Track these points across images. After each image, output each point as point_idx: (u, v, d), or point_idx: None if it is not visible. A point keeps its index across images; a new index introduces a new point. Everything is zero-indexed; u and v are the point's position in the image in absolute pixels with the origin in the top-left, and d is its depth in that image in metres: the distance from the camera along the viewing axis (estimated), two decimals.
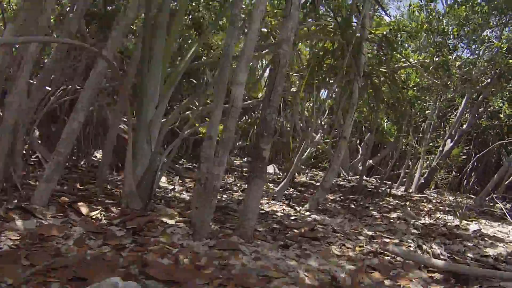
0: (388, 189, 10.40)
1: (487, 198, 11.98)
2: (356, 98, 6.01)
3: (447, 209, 9.18)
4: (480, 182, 18.05)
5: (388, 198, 9.49)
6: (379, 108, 8.77)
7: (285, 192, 8.10)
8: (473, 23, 9.64)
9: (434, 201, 10.67)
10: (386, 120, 11.01)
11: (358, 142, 16.78)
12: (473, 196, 16.11)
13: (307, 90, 8.31)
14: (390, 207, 7.96)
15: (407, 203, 9.05)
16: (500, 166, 18.35)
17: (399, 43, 8.85)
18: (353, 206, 7.41)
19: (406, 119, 10.29)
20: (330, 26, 6.27)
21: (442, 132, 15.75)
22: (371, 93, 7.89)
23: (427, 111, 10.85)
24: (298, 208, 6.66)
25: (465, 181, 17.25)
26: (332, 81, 7.73)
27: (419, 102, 10.15)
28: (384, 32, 8.00)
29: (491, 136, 17.85)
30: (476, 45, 10.17)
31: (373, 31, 7.26)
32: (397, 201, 9.16)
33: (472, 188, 17.54)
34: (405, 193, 11.72)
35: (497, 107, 15.77)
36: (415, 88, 9.94)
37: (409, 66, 9.14)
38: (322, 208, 6.97)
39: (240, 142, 14.31)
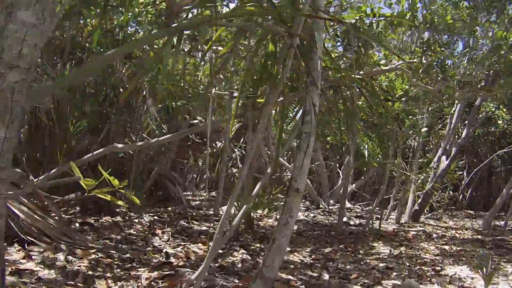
0: (377, 226, 8.09)
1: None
2: (313, 121, 3.73)
3: (456, 250, 6.98)
4: (477, 196, 17.19)
5: (377, 243, 7.22)
6: (354, 128, 6.56)
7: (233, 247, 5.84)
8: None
9: (434, 235, 8.45)
10: (367, 142, 8.81)
11: (338, 165, 14.74)
12: (471, 212, 14.30)
13: None
14: (381, 265, 5.68)
15: (403, 249, 6.79)
16: (495, 175, 17.09)
17: (377, 35, 6.59)
18: (326, 275, 5.08)
19: (393, 139, 8.07)
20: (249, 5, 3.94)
21: (431, 147, 13.92)
22: (342, 110, 5.64)
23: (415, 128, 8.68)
24: None
25: (461, 195, 15.39)
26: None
27: (409, 117, 7.85)
28: (353, 20, 5.81)
29: (482, 144, 16.29)
30: (475, 39, 8.04)
31: (334, 17, 5.01)
32: (389, 247, 6.90)
33: (470, 203, 15.95)
34: (397, 226, 9.50)
35: (490, 112, 13.94)
36: (402, 99, 7.60)
37: (392, 70, 6.85)
38: None
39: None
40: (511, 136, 15.51)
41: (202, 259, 4.87)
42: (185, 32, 7.97)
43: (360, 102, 7.10)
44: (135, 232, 6.25)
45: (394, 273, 5.23)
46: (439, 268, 5.60)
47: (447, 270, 5.55)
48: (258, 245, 6.41)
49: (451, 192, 13.79)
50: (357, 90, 5.54)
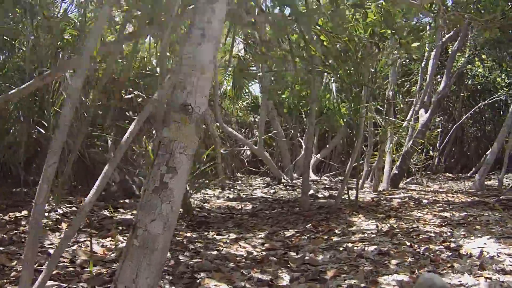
0: (354, 197, 6.18)
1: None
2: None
3: (460, 216, 5.19)
4: (451, 158, 16.21)
5: (356, 217, 5.34)
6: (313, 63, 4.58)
7: None
8: None
9: (425, 201, 6.66)
10: (331, 92, 6.91)
11: (299, 134, 12.96)
12: (450, 175, 12.79)
13: None
14: (369, 249, 3.78)
15: (392, 222, 4.93)
16: (475, 135, 15.77)
17: None
18: (286, 276, 3.13)
19: (367, 79, 6.07)
20: None
21: (404, 103, 12.43)
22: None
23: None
24: None
25: (437, 158, 14.00)
26: None
27: (392, 34, 5.61)
28: None
29: (454, 103, 15.77)
30: None
31: None
32: (374, 221, 5.03)
33: (448, 166, 15.24)
34: (376, 195, 7.68)
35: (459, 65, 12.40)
36: (379, 2, 5.33)
37: None
38: None
39: None
40: (483, 93, 14.11)
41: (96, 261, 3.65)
42: None
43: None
44: None
45: (394, 261, 3.35)
46: (455, 245, 3.75)
47: (466, 245, 3.72)
48: (189, 234, 4.51)
49: (431, 153, 12.11)
50: None
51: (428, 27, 10.04)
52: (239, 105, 13.77)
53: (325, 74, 6.08)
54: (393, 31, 5.28)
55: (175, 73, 2.09)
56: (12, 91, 4.70)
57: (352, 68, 5.58)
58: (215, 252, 4.08)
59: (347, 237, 4.28)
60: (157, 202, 1.78)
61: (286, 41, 5.02)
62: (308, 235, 4.47)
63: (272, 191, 9.15)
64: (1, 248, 4.00)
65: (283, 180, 10.35)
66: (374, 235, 4.30)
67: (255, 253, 3.90)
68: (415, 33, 6.04)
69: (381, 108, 9.13)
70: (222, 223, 5.41)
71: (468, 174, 12.70)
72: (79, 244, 4.22)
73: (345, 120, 8.31)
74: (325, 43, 5.21)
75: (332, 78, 6.93)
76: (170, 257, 3.93)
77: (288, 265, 3.43)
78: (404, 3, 5.66)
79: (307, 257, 3.60)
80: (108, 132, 8.25)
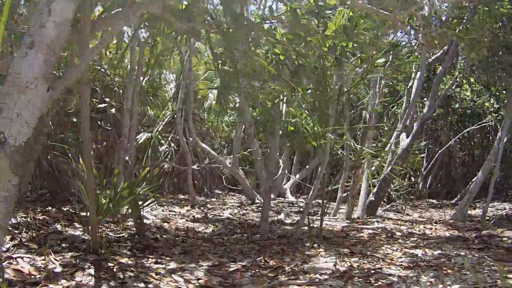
0: (318, 225, 5.62)
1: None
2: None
3: (433, 256, 4.67)
4: (437, 183, 15.81)
5: (316, 250, 4.79)
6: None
7: None
8: None
9: (398, 234, 6.15)
10: (302, 111, 6.37)
11: (278, 153, 12.45)
12: (434, 201, 12.39)
13: None
14: None
15: (354, 260, 4.39)
16: (463, 160, 15.36)
17: None
18: None
19: (332, 95, 5.50)
20: None
21: (387, 126, 11.98)
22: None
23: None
24: None
25: (421, 183, 13.57)
26: None
27: (353, 44, 4.97)
28: None
29: (442, 126, 15.41)
30: None
31: None
32: (334, 257, 4.48)
33: (430, 192, 14.79)
34: (348, 223, 7.15)
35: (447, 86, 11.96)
36: (342, 12, 4.67)
37: None
38: None
39: None
40: (472, 117, 13.72)
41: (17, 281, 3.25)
42: None
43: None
44: None
45: None
46: None
47: None
48: (126, 260, 3.97)
49: (412, 179, 11.63)
50: None
51: (415, 46, 9.63)
52: (224, 119, 13.32)
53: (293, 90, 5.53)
54: (355, 44, 4.77)
55: None
56: None
57: (311, 85, 5.07)
58: (142, 285, 3.53)
59: (296, 277, 3.73)
60: None
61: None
62: (254, 271, 3.92)
63: (243, 212, 8.62)
64: None
65: (256, 201, 9.84)
66: (327, 276, 3.75)
67: None
68: (392, 49, 5.54)
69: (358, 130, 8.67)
70: (169, 249, 4.86)
71: (453, 201, 12.28)
72: (11, 261, 3.71)
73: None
74: (281, 57, 4.71)
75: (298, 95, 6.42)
76: (93, 285, 3.41)
77: None
78: (375, 14, 5.13)
79: None
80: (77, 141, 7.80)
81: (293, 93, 5.45)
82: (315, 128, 5.73)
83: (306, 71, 4.89)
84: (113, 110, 8.80)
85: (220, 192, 12.17)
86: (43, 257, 3.94)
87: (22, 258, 3.79)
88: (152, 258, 4.39)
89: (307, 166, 12.47)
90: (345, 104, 6.17)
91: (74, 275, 3.60)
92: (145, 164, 10.27)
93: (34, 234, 4.66)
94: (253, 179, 11.95)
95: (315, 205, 10.00)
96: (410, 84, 10.15)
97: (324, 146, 5.67)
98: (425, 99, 11.27)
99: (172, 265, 4.16)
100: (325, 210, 6.80)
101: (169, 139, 11.27)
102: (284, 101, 6.91)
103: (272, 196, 10.58)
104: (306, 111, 6.09)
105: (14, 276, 3.32)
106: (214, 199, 10.59)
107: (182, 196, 10.22)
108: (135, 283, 3.60)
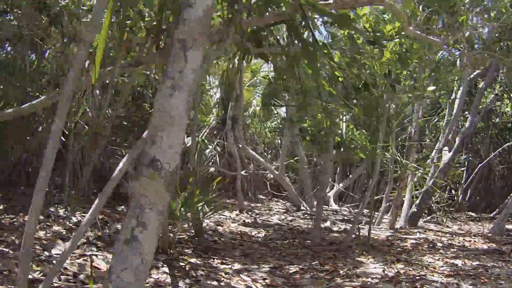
0: (367, 234, 6.14)
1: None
2: (200, 16, 1.83)
3: (471, 266, 5.12)
4: (476, 196, 15.56)
5: (365, 257, 5.29)
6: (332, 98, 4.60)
7: None
8: None
9: (439, 245, 6.58)
10: (351, 125, 6.89)
11: (322, 161, 12.87)
12: (473, 214, 12.58)
13: None
14: None
15: (400, 267, 4.87)
16: (502, 173, 15.48)
17: None
18: None
19: (384, 115, 6.01)
20: None
21: (427, 141, 12.23)
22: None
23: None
24: None
25: (460, 196, 13.73)
26: None
27: (407, 72, 5.54)
28: None
29: (482, 140, 15.41)
30: None
31: None
32: (382, 264, 4.99)
33: (472, 204, 14.77)
34: (391, 233, 7.60)
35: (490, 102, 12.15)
36: (396, 40, 5.24)
37: (376, 1, 4.63)
38: None
39: None
40: None
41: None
42: None
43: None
44: (44, 235, 4.77)
45: None
46: None
47: None
48: (194, 260, 4.52)
49: (453, 191, 11.91)
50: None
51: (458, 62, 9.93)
52: (268, 125, 13.75)
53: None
54: (409, 71, 5.26)
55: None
56: (24, 105, 4.80)
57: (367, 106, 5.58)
58: (215, 283, 4.08)
59: (350, 280, 4.24)
60: (128, 254, 1.79)
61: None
62: (312, 273, 4.44)
63: (290, 218, 9.12)
64: (12, 252, 4.02)
65: (302, 208, 10.31)
66: (378, 281, 4.25)
67: None
68: (442, 69, 5.99)
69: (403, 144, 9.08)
70: (230, 251, 5.40)
71: (491, 215, 12.49)
72: (86, 258, 4.19)
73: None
74: (340, 79, 5.23)
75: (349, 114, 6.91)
76: (170, 282, 3.95)
77: None
78: (425, 41, 5.62)
79: None
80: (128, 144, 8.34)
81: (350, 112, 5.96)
82: (365, 143, 6.24)
83: (361, 93, 5.40)
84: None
85: (263, 197, 12.59)
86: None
87: (96, 255, 4.30)
88: (216, 259, 4.94)
89: (350, 175, 12.86)
90: (394, 121, 6.64)
91: (149, 273, 4.15)
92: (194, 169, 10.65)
93: (99, 233, 5.19)
94: (297, 186, 12.32)
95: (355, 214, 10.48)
96: (452, 97, 10.39)
97: (375, 160, 6.18)
98: (466, 112, 11.60)
99: (237, 266, 4.69)
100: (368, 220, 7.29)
101: (215, 144, 11.70)
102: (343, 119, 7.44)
103: (315, 203, 11.07)
104: (357, 127, 6.59)
105: (93, 273, 3.71)
106: (259, 204, 11.05)
107: (228, 201, 10.69)
108: (208, 281, 4.13)
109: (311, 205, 10.53)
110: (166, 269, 4.22)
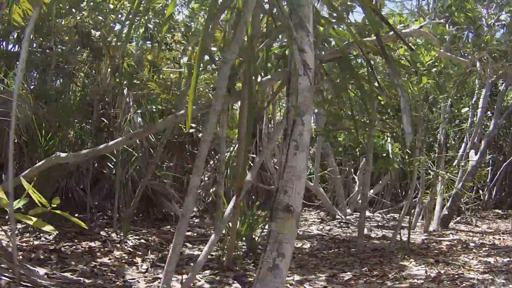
0: (406, 239, 6.80)
1: None
2: (308, 87, 2.50)
3: (503, 263, 5.74)
4: (501, 194, 16.01)
5: (407, 261, 5.94)
6: (372, 117, 5.29)
7: None
8: None
9: (472, 245, 7.18)
10: (386, 138, 7.56)
11: (353, 170, 13.47)
12: (499, 212, 13.05)
13: None
14: None
15: (440, 268, 5.52)
16: None
17: None
18: None
19: (423, 128, 6.74)
20: None
21: (452, 142, 12.67)
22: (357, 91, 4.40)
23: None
24: None
25: (487, 194, 14.15)
26: None
27: (444, 95, 6.35)
28: None
29: (505, 137, 15.79)
30: None
31: None
32: (423, 266, 5.64)
33: (498, 202, 15.24)
34: (426, 236, 8.21)
35: (510, 101, 12.65)
36: (433, 70, 6.05)
37: (413, 33, 5.40)
38: None
39: None
40: None
41: None
42: None
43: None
44: (109, 261, 5.19)
45: None
46: None
47: None
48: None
49: (480, 191, 12.43)
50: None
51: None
52: None
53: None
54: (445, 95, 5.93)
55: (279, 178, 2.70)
56: (100, 147, 5.46)
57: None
58: None
59: (399, 282, 4.88)
60: (271, 278, 2.46)
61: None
62: (364, 279, 5.09)
63: (328, 227, 9.70)
64: (87, 281, 4.31)
65: (337, 216, 10.87)
66: (423, 281, 4.88)
67: None
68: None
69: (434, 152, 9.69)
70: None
71: None
72: (159, 281, 4.48)
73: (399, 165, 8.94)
74: (381, 102, 5.90)
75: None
76: None
77: None
78: (454, 61, 6.33)
79: None
80: (169, 165, 8.94)
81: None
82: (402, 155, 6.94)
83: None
84: (199, 135, 9.82)
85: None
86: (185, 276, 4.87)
87: (154, 281, 4.63)
88: None
89: (380, 182, 13.40)
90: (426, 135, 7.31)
91: None
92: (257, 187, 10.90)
93: (160, 255, 5.63)
94: (329, 196, 12.75)
95: (391, 219, 11.09)
96: (474, 99, 10.88)
97: (412, 172, 6.86)
98: (489, 112, 12.08)
99: (297, 277, 5.30)
100: (402, 225, 7.93)
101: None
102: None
103: (349, 211, 11.67)
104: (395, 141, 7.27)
105: None
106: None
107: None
108: None
109: (345, 213, 11.12)
110: (237, 285, 4.79)
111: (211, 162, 10.27)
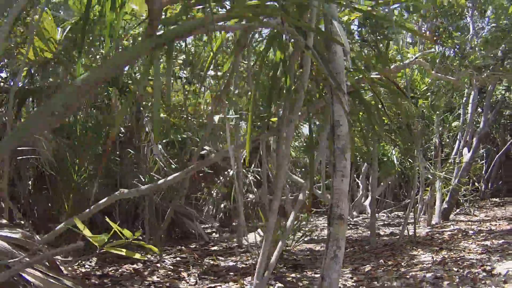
0: (412, 233, 7.77)
1: None
2: (346, 135, 3.48)
3: (498, 244, 6.69)
4: (497, 182, 16.97)
5: (416, 251, 6.88)
6: (379, 136, 6.28)
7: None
8: None
9: (471, 232, 8.13)
10: (391, 148, 8.56)
11: (355, 175, 14.37)
12: (496, 200, 14.03)
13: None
14: (428, 275, 5.34)
15: (444, 254, 6.47)
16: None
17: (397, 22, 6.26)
18: None
19: (420, 140, 7.76)
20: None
21: (447, 141, 13.53)
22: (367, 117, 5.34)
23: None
24: None
25: (483, 185, 15.07)
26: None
27: (437, 113, 7.54)
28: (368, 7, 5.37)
29: (496, 130, 16.16)
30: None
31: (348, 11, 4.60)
32: (429, 253, 6.57)
33: (495, 190, 16.30)
34: (430, 229, 9.15)
35: (500, 95, 13.54)
36: (427, 94, 7.24)
37: (411, 64, 6.54)
38: None
39: None
40: None
41: None
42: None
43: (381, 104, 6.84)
44: (158, 279, 5.78)
45: (446, 282, 4.90)
46: (489, 268, 5.27)
47: (498, 268, 5.22)
48: (293, 275, 6.08)
49: (476, 184, 13.38)
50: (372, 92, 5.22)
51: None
52: (292, 144, 14.84)
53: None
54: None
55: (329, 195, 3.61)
56: (160, 181, 5.90)
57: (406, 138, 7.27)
58: None
59: (411, 268, 5.81)
60: (333, 265, 3.35)
61: None
62: (382, 268, 6.02)
63: None
64: None
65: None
66: (430, 265, 5.82)
67: (348, 285, 5.45)
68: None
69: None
70: (313, 264, 6.88)
71: None
72: None
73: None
74: (385, 121, 6.88)
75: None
76: None
77: None
78: (444, 79, 7.36)
79: (386, 285, 5.17)
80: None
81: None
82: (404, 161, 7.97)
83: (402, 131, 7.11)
84: (212, 155, 10.45)
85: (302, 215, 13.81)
86: (229, 283, 5.43)
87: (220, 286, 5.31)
88: (308, 271, 6.44)
89: (382, 183, 14.31)
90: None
91: None
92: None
93: (201, 269, 6.21)
94: None
95: (395, 217, 12.04)
96: (464, 99, 11.58)
97: (414, 175, 7.86)
98: (479, 108, 12.91)
99: None
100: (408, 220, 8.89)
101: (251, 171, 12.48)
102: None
103: (355, 213, 12.61)
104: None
105: None
106: (303, 223, 12.38)
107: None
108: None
109: (352, 215, 12.04)
110: (280, 284, 5.56)
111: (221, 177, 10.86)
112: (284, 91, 4.03)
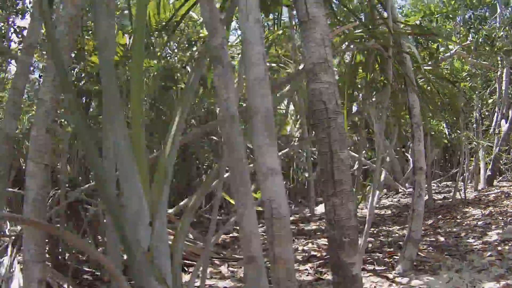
0: (463, 195, 9.41)
1: None
2: (418, 114, 5.10)
3: None
4: None
5: (467, 208, 8.49)
6: (434, 114, 7.90)
7: None
8: None
9: None
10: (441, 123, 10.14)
11: (404, 150, 15.71)
12: None
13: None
14: (479, 223, 6.98)
15: (491, 209, 8.07)
16: None
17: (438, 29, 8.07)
18: (442, 238, 6.37)
19: (463, 115, 9.38)
20: (357, 32, 5.13)
21: (486, 114, 14.71)
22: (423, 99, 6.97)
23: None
24: (391, 275, 4.90)
25: None
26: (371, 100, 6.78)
27: (477, 92, 9.26)
28: (417, 21, 6.99)
29: None
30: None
31: (404, 22, 6.15)
32: (478, 210, 8.16)
33: None
34: (477, 193, 10.69)
35: None
36: (468, 78, 9.00)
37: (452, 55, 8.24)
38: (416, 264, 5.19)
39: None
40: None
41: None
42: None
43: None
44: None
45: (493, 226, 6.53)
46: None
47: None
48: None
49: None
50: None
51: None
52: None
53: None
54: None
55: None
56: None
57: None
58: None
59: (465, 219, 7.46)
60: (419, 201, 5.07)
61: None
62: (442, 221, 7.66)
63: (395, 199, 12.14)
64: None
65: (400, 190, 13.24)
66: (480, 216, 7.45)
67: None
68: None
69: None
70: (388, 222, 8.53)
71: None
72: None
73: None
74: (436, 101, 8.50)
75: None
76: None
77: (440, 233, 6.65)
78: (478, 65, 8.95)
79: (448, 230, 6.83)
80: None
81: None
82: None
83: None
84: None
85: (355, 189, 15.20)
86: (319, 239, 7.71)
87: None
88: (386, 227, 8.09)
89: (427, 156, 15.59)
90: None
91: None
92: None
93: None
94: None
95: (444, 186, 13.55)
96: (499, 73, 12.41)
97: (461, 146, 9.48)
98: None
99: (396, 226, 7.89)
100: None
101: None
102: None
103: (407, 185, 14.08)
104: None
105: None
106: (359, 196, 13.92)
107: None
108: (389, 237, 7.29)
109: (405, 186, 13.49)
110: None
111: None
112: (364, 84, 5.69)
